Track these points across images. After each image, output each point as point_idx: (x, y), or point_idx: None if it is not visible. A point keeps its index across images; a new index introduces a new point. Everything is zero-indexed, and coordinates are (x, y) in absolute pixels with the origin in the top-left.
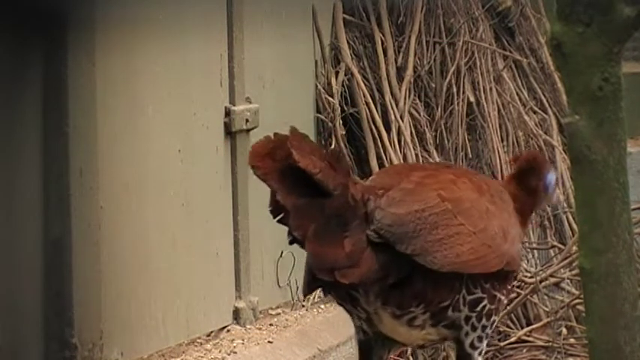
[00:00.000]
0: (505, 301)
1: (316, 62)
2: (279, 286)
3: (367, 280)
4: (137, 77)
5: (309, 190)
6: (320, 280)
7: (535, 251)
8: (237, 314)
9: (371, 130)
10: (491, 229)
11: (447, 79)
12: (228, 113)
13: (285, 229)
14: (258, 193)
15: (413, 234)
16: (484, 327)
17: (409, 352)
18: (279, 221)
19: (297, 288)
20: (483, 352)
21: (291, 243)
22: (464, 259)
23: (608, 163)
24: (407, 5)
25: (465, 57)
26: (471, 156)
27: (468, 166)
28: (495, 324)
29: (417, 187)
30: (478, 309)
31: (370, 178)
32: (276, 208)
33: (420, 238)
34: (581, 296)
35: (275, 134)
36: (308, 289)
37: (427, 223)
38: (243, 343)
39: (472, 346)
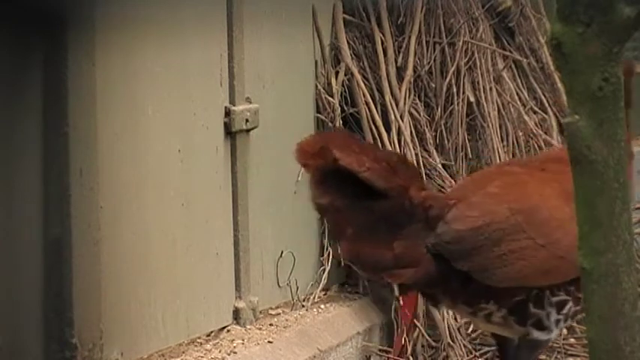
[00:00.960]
0: None
1: (316, 62)
2: (279, 286)
3: (426, 282)
4: (137, 77)
5: (358, 190)
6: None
7: None
8: (237, 314)
9: (371, 130)
10: (568, 238)
11: (447, 79)
12: (228, 113)
13: (285, 229)
14: (258, 193)
15: (472, 251)
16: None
17: (409, 352)
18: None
19: (297, 288)
20: None
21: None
22: (526, 274)
23: (608, 163)
24: (407, 5)
25: (465, 57)
26: (470, 156)
27: (468, 166)
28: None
29: (488, 199)
30: (564, 311)
31: (456, 184)
32: (318, 206)
33: (479, 255)
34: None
35: (322, 132)
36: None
37: (490, 239)
38: (243, 343)
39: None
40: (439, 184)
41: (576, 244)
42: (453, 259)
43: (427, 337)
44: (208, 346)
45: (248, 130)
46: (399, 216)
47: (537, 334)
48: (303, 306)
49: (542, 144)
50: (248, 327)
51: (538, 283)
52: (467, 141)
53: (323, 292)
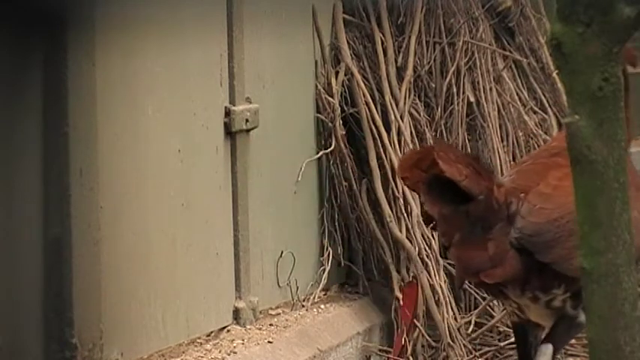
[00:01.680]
0: None
1: (316, 62)
2: (279, 286)
3: (512, 278)
4: (137, 77)
5: (455, 197)
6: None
7: None
8: (237, 314)
9: (371, 130)
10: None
11: (447, 79)
12: (228, 113)
13: (285, 229)
14: (258, 193)
15: (551, 243)
16: None
17: (409, 352)
18: (431, 229)
19: (297, 288)
20: None
21: (443, 250)
22: None
23: (608, 163)
24: (407, 5)
25: (465, 57)
26: None
27: None
28: None
29: (555, 191)
30: None
31: (509, 176)
32: (426, 218)
33: (558, 247)
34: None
35: (420, 146)
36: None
37: (565, 230)
38: (243, 343)
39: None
40: None
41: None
42: (536, 252)
43: (427, 337)
44: (208, 346)
45: (248, 130)
46: (489, 217)
47: (583, 318)
48: (303, 306)
49: (542, 144)
50: (248, 327)
51: None
52: (467, 141)
53: (323, 292)
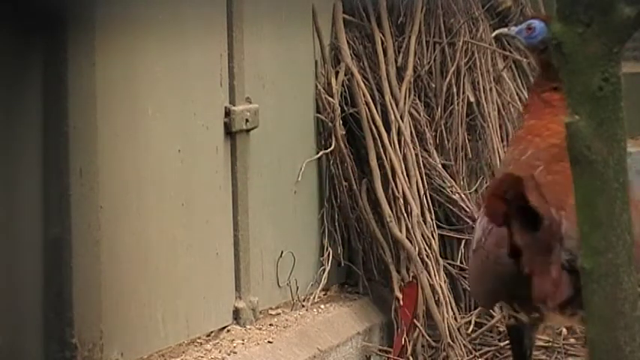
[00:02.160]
0: None
1: (316, 62)
2: (279, 286)
3: (566, 299)
4: (137, 77)
5: (529, 224)
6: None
7: None
8: (237, 314)
9: (371, 130)
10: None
11: (447, 79)
12: (228, 113)
13: (285, 229)
14: (258, 193)
15: None
16: None
17: (409, 352)
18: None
19: (297, 288)
20: None
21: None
22: None
23: (608, 164)
24: (407, 5)
25: (465, 57)
26: (470, 156)
27: (468, 167)
28: None
29: None
30: None
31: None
32: (513, 250)
33: None
34: None
35: (507, 175)
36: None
37: None
38: (243, 343)
39: None
40: (439, 184)
41: None
42: None
43: (427, 337)
44: (208, 346)
45: (248, 130)
46: (552, 241)
47: None
48: (303, 306)
49: None
50: (248, 327)
51: None
52: (467, 141)
53: (323, 292)
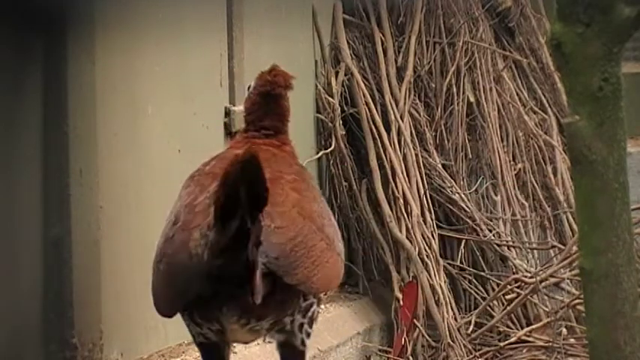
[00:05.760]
0: None
1: (316, 62)
2: None
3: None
4: (137, 77)
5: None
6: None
7: (535, 251)
8: None
9: (371, 130)
10: (332, 230)
11: (447, 79)
12: (228, 113)
13: None
14: None
15: (296, 263)
16: (309, 332)
17: (409, 352)
18: None
19: None
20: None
21: None
22: (330, 276)
23: (608, 164)
24: (407, 5)
25: (465, 57)
26: (470, 156)
27: (468, 167)
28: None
29: (280, 207)
30: (309, 314)
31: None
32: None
33: (301, 267)
34: (581, 296)
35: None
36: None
37: (304, 247)
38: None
39: (303, 344)
40: (439, 184)
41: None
42: (283, 275)
43: (427, 337)
44: None
45: None
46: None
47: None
48: None
49: (542, 144)
50: None
51: (338, 283)
52: (467, 141)
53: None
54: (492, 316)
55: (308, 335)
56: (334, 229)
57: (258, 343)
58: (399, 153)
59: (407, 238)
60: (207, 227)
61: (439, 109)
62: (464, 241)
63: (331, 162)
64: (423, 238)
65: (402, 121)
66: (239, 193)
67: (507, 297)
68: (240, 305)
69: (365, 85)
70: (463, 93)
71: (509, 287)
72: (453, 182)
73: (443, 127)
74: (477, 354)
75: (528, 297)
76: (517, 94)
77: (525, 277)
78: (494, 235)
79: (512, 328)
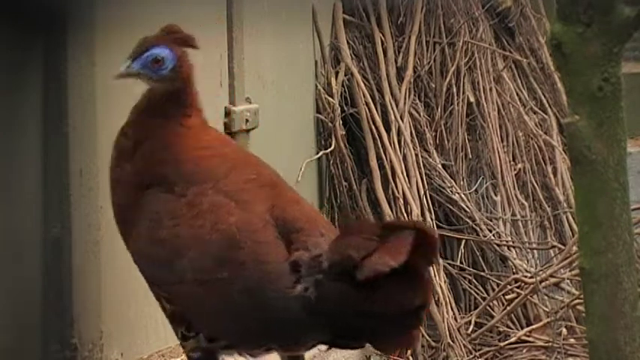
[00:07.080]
0: None
1: (316, 62)
2: None
3: None
4: None
5: None
6: None
7: (535, 251)
8: None
9: (371, 130)
10: None
11: (447, 79)
12: (228, 113)
13: None
14: None
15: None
16: None
17: (409, 352)
18: None
19: None
20: None
21: None
22: None
23: (608, 164)
24: (407, 5)
25: (465, 57)
26: (471, 156)
27: (468, 167)
28: None
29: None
30: None
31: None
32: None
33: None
34: (581, 296)
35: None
36: None
37: None
38: None
39: None
40: (439, 185)
41: None
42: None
43: (427, 337)
44: None
45: (248, 130)
46: None
47: None
48: None
49: (542, 144)
50: None
51: None
52: (467, 141)
53: None
54: (492, 316)
55: None
56: None
57: None
58: (398, 153)
59: None
60: None
61: (439, 109)
62: (464, 241)
63: (331, 162)
64: None
65: (402, 121)
66: None
67: (507, 297)
68: None
69: (365, 85)
70: (463, 93)
71: (509, 287)
72: (453, 182)
73: (443, 127)
74: (477, 354)
75: (528, 297)
76: (517, 94)
77: (525, 277)
78: (494, 235)
79: (512, 328)
